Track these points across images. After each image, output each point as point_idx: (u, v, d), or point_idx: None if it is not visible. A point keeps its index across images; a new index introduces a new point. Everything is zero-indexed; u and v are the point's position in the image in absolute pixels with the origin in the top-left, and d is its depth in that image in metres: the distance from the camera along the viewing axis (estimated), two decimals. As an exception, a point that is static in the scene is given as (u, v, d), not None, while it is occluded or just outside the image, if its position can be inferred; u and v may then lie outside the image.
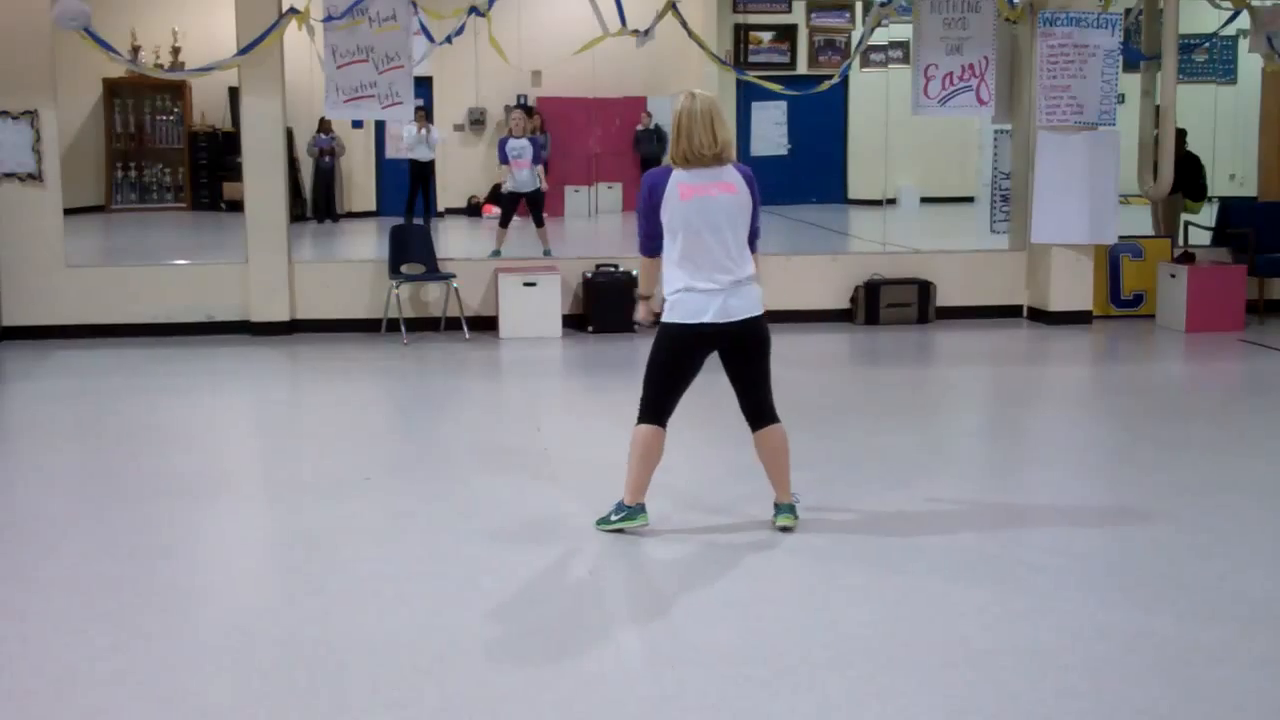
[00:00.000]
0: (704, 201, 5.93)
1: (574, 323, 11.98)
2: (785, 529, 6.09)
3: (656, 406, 6.15)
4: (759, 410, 6.20)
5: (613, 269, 12.09)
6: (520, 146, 15.67)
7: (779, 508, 6.18)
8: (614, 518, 6.15)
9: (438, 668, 4.56)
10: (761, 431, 6.20)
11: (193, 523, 6.49)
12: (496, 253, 14.77)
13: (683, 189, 5.92)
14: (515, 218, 16.02)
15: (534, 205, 15.89)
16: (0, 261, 11.63)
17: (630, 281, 11.85)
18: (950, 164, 22.29)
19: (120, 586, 5.48)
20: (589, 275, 11.98)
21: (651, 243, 6.05)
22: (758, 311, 6.06)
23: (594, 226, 19.96)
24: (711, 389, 6.52)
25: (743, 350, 6.11)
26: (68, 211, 12.05)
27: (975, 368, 10.74)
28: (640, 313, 6.32)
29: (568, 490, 7.03)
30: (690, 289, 5.96)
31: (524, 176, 15.70)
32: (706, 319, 5.96)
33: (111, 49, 11.72)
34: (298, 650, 4.74)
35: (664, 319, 6.06)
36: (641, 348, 9.99)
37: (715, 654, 4.65)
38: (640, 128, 23.22)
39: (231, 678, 4.53)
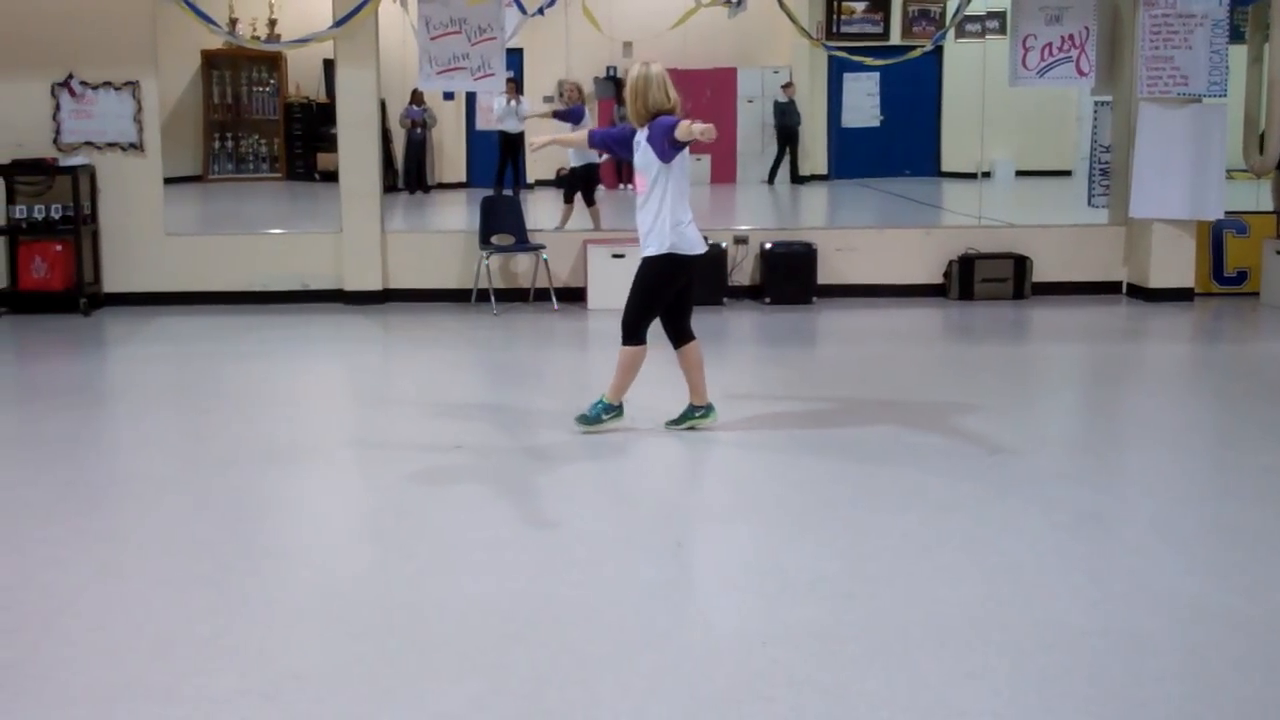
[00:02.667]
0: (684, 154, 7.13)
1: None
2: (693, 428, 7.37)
3: (645, 327, 7.33)
4: (688, 328, 7.46)
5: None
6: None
7: (696, 409, 7.40)
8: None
9: (528, 634, 4.57)
10: (688, 345, 7.40)
11: (287, 487, 6.57)
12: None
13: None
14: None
15: (586, 181, 15.28)
16: (102, 229, 11.84)
17: (720, 253, 11.84)
18: (1047, 136, 21.98)
19: (216, 549, 5.55)
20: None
21: (599, 142, 7.88)
22: None
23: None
24: (787, 358, 6.47)
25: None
26: (167, 181, 12.24)
27: (1072, 345, 10.57)
28: (540, 142, 7.81)
29: (654, 460, 7.03)
30: (683, 223, 7.21)
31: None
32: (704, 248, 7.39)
33: (210, 20, 11.88)
34: (390, 615, 4.78)
35: (672, 250, 7.16)
36: (732, 321, 9.99)
37: (807, 631, 4.61)
38: (784, 99, 23.09)
39: (325, 641, 4.57)
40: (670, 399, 7.62)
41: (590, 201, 15.19)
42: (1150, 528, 5.84)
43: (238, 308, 11.74)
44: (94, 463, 7.06)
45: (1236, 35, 12.74)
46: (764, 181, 23.21)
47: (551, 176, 23.08)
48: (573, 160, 15.17)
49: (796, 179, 23.25)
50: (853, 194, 21.58)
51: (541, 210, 16.22)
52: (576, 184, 15.27)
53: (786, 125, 23.12)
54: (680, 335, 7.45)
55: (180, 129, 22.06)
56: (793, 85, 23.09)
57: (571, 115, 15.38)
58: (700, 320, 11.01)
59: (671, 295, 7.33)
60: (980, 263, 12.20)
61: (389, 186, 19.14)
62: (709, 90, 22.63)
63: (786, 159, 23.25)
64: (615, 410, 7.44)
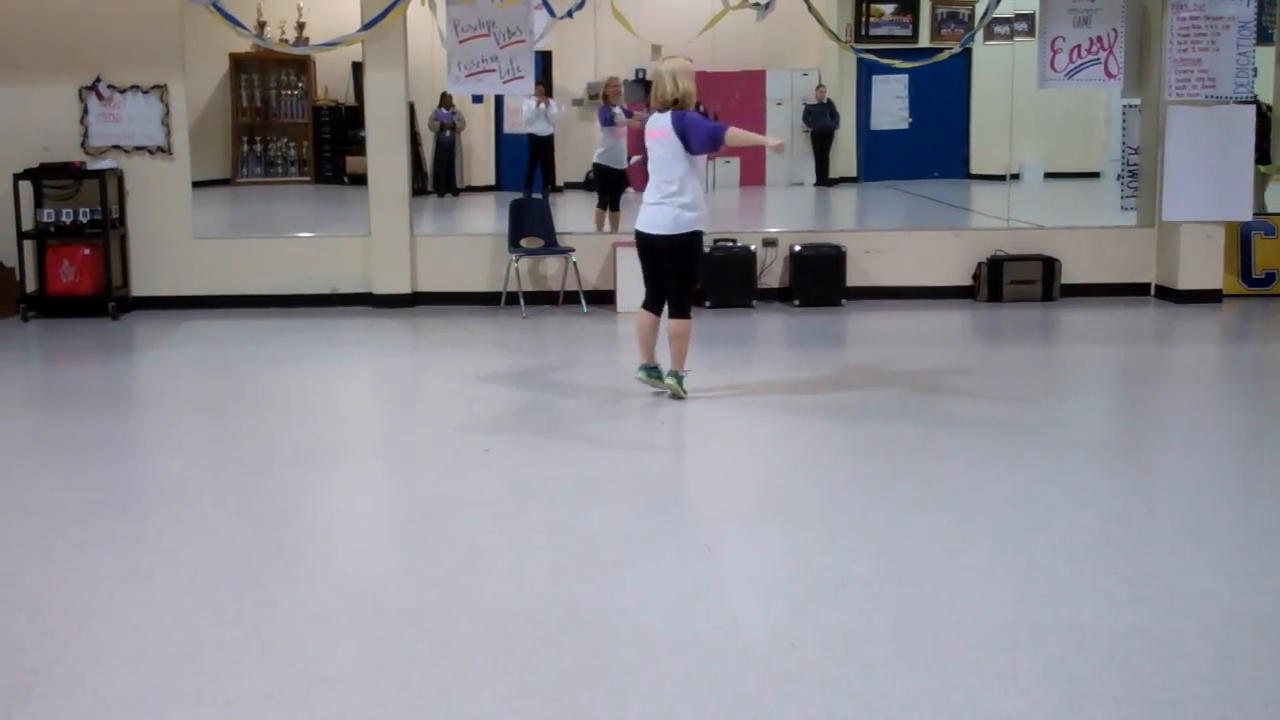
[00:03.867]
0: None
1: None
2: (673, 392, 8.22)
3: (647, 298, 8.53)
4: (670, 305, 8.36)
5: (730, 243, 12.03)
6: (620, 115, 14.81)
7: (671, 373, 8.29)
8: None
9: (557, 637, 4.57)
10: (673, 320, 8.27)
11: (315, 491, 6.59)
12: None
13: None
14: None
15: (614, 184, 14.96)
16: (130, 233, 11.91)
17: (749, 255, 11.86)
18: (1075, 138, 21.90)
19: (245, 553, 5.57)
20: (708, 250, 11.87)
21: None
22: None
23: (711, 201, 19.90)
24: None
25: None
26: (195, 184, 12.28)
27: (1102, 346, 10.53)
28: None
29: (687, 463, 7.03)
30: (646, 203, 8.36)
31: (619, 149, 14.77)
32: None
33: (239, 24, 11.92)
34: (419, 619, 4.79)
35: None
36: (760, 323, 10.01)
37: (836, 632, 4.61)
38: (814, 101, 23.06)
39: (354, 645, 4.58)
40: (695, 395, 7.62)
41: (614, 205, 14.93)
42: (1180, 528, 5.81)
43: (266, 311, 11.79)
44: (124, 466, 7.09)
45: (1265, 37, 12.69)
46: (815, 185, 23.22)
47: (581, 179, 23.15)
48: (600, 159, 14.96)
49: (823, 181, 23.21)
50: (881, 196, 21.54)
51: (571, 213, 16.22)
52: (606, 186, 15.05)
53: (816, 128, 23.08)
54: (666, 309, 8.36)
55: (208, 132, 22.13)
56: (823, 87, 23.06)
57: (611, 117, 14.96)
58: (729, 322, 11.10)
59: (646, 267, 8.44)
60: (1009, 264, 12.17)
61: (418, 189, 19.14)
62: (737, 93, 22.59)
63: (822, 160, 23.27)
64: (646, 369, 8.36)
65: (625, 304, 11.65)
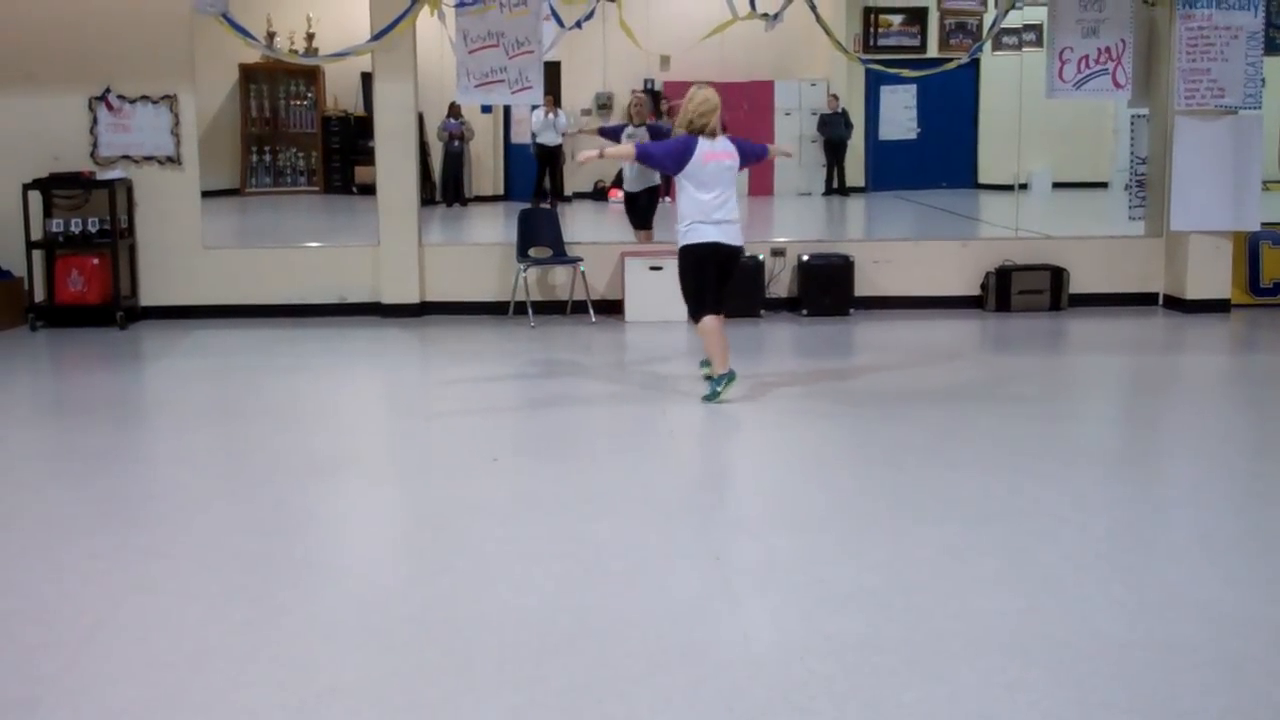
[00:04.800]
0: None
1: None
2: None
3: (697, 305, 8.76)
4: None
5: (739, 254, 12.03)
6: (637, 135, 13.56)
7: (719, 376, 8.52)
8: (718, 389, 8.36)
9: (566, 647, 4.57)
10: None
11: (324, 500, 6.59)
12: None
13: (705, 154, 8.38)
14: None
15: (649, 204, 14.18)
16: (139, 242, 11.93)
17: (757, 265, 11.86)
18: (1084, 148, 21.91)
19: (254, 562, 5.57)
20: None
21: (645, 155, 8.84)
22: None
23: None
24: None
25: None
26: (204, 194, 12.31)
27: (1110, 356, 10.51)
28: (586, 156, 8.56)
29: (695, 473, 7.02)
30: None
31: (632, 172, 13.97)
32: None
33: (248, 34, 11.93)
34: (427, 628, 4.79)
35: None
36: (768, 332, 10.04)
37: (845, 642, 4.60)
38: (829, 111, 23.12)
39: (363, 654, 4.58)
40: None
41: (647, 224, 14.16)
42: (1188, 538, 5.80)
43: (275, 321, 11.80)
44: (132, 477, 7.10)
45: (1272, 47, 12.69)
46: (823, 194, 23.33)
47: (590, 189, 23.20)
48: (633, 186, 14.08)
49: (831, 190, 23.24)
50: (890, 206, 21.55)
51: (579, 222, 16.23)
52: (650, 207, 14.17)
53: (830, 137, 23.15)
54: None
55: (218, 142, 22.20)
56: (836, 97, 23.13)
57: (618, 133, 13.55)
58: (737, 332, 11.07)
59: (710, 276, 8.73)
60: (1017, 274, 12.16)
61: (426, 199, 19.21)
62: (746, 103, 22.62)
63: (835, 170, 23.35)
64: (725, 377, 8.44)
65: (634, 313, 11.66)
